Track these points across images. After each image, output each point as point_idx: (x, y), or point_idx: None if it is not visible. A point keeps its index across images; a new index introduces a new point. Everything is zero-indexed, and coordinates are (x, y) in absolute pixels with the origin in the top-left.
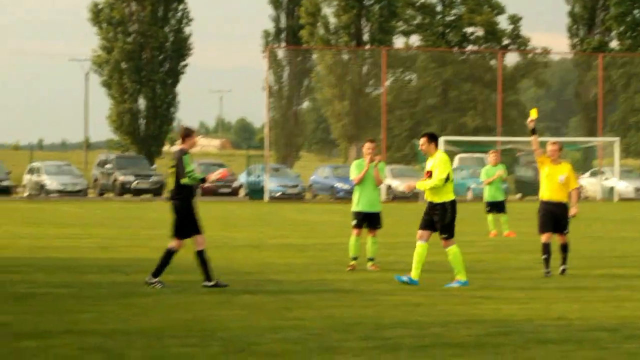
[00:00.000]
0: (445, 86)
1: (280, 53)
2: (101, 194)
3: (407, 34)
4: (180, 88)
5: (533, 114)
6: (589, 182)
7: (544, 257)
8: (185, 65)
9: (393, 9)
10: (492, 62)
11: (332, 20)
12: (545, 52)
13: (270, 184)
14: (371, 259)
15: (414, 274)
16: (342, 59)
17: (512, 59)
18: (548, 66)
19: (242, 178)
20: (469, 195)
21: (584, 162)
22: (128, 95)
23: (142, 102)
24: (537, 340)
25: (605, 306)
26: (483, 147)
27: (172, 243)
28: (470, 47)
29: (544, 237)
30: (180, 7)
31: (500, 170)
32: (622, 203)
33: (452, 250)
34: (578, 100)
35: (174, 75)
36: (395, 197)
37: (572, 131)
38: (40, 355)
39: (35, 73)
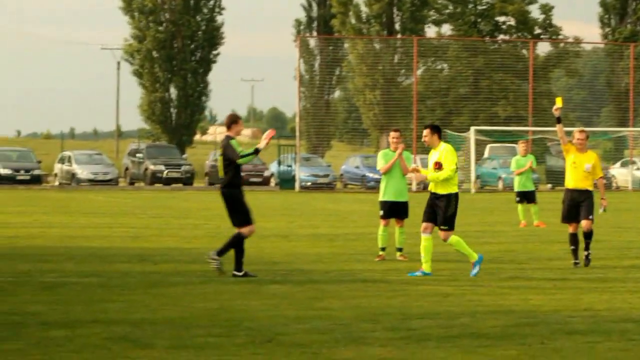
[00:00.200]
0: (477, 76)
1: (312, 42)
2: (132, 183)
3: (438, 23)
4: (211, 77)
5: (558, 102)
6: (619, 173)
7: (571, 247)
8: (217, 54)
9: None
10: (524, 52)
11: (364, 9)
12: (577, 41)
13: (301, 174)
14: (400, 249)
15: (426, 267)
16: (374, 48)
17: (543, 48)
18: (580, 56)
19: (273, 167)
20: (500, 185)
21: (615, 152)
22: (159, 85)
23: (173, 92)
24: (564, 331)
25: (634, 297)
26: (514, 137)
27: (241, 230)
28: (501, 37)
29: (570, 228)
30: None
31: (530, 161)
32: None
33: (454, 239)
34: (609, 90)
35: (206, 64)
36: (426, 187)
37: (604, 121)
38: (67, 344)
39: (68, 62)
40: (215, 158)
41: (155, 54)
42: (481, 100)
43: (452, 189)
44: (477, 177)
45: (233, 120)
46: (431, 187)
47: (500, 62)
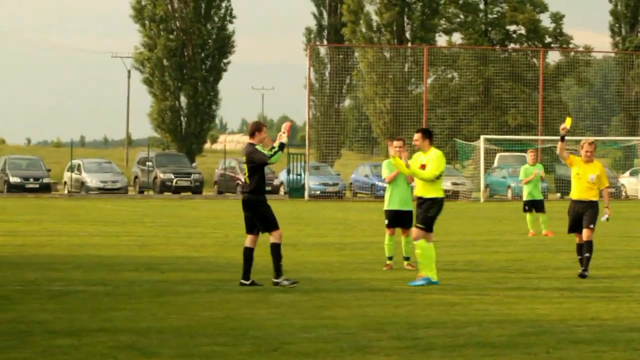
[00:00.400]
0: (487, 84)
1: (322, 51)
2: (141, 192)
3: (449, 32)
4: (222, 85)
5: (567, 123)
6: (629, 182)
7: (579, 257)
8: (228, 63)
9: (435, 7)
10: (534, 61)
11: (375, 18)
12: (587, 50)
13: (311, 182)
14: (407, 258)
15: (430, 274)
16: (384, 56)
17: (554, 57)
18: (590, 65)
19: (283, 176)
20: (509, 194)
21: (625, 161)
22: (169, 93)
23: (183, 100)
24: (570, 340)
25: None
26: (524, 146)
27: (272, 239)
28: (512, 46)
29: (577, 238)
30: (224, 4)
31: (538, 170)
32: None
33: (421, 244)
34: (620, 99)
35: (216, 72)
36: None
37: (614, 130)
38: (72, 353)
39: (78, 70)
40: (224, 167)
41: (165, 62)
42: (491, 109)
43: (437, 194)
44: (487, 186)
45: (257, 128)
46: (416, 192)
47: (511, 71)
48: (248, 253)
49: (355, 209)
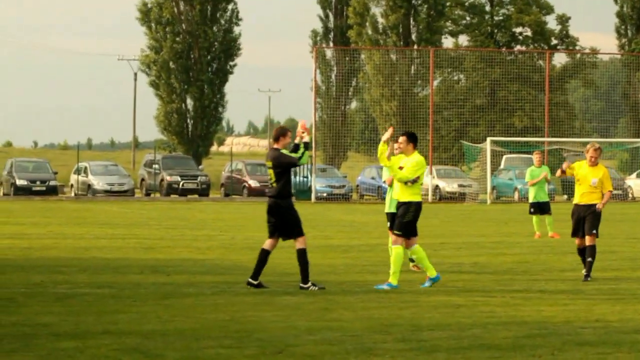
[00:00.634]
0: (493, 86)
1: (329, 53)
2: (148, 194)
3: (455, 34)
4: (228, 88)
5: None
6: (635, 183)
7: (582, 258)
8: (234, 65)
9: (441, 9)
10: (540, 63)
11: (381, 20)
12: (594, 52)
13: (317, 185)
14: (412, 259)
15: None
16: (390, 59)
17: (560, 59)
18: (596, 66)
19: None
20: (516, 195)
21: (632, 162)
22: (176, 95)
23: (189, 102)
24: (575, 342)
25: None
26: (530, 148)
27: (298, 245)
28: (518, 48)
29: (577, 241)
30: (230, 6)
31: (545, 172)
32: None
33: (397, 250)
34: (626, 101)
35: (223, 75)
36: (442, 197)
37: (620, 132)
38: (77, 355)
39: (85, 73)
40: (231, 169)
41: (172, 64)
42: (497, 111)
43: (414, 198)
44: (493, 188)
45: (282, 133)
46: (394, 195)
47: (517, 72)
48: (264, 255)
49: (361, 211)
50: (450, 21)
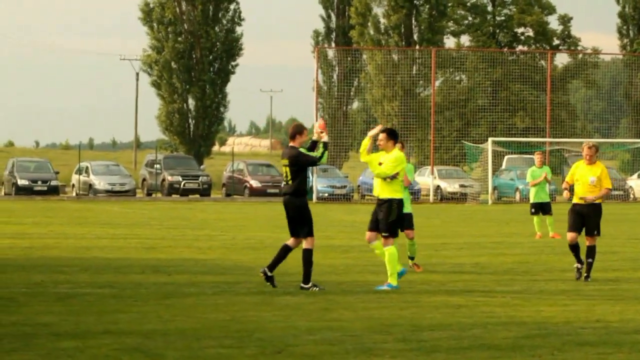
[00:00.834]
0: (495, 87)
1: (330, 53)
2: (149, 194)
3: (457, 34)
4: (230, 88)
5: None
6: (637, 184)
7: (573, 254)
8: (236, 65)
9: (443, 9)
10: (542, 63)
11: (382, 20)
12: (595, 52)
13: (319, 185)
14: (412, 258)
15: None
16: (392, 59)
17: (562, 59)
18: (598, 67)
19: None
20: (517, 196)
21: (633, 163)
22: (177, 95)
23: (191, 102)
24: (575, 342)
25: None
26: (532, 148)
27: (305, 244)
28: (520, 48)
29: (569, 237)
30: (232, 6)
31: (546, 172)
32: None
33: (390, 250)
34: (628, 101)
35: (224, 75)
36: (443, 198)
37: (622, 132)
38: (77, 355)
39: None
40: (232, 169)
41: (174, 64)
42: (499, 112)
43: (395, 195)
44: (494, 188)
45: (298, 131)
46: (374, 191)
47: (519, 73)
48: (284, 250)
49: (362, 211)
50: (452, 21)
